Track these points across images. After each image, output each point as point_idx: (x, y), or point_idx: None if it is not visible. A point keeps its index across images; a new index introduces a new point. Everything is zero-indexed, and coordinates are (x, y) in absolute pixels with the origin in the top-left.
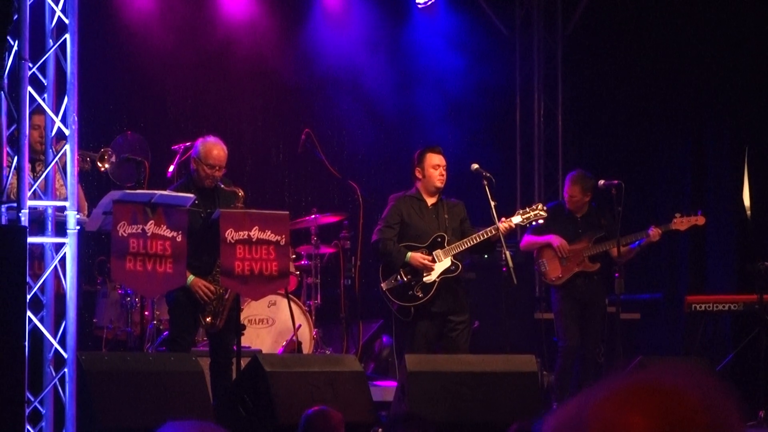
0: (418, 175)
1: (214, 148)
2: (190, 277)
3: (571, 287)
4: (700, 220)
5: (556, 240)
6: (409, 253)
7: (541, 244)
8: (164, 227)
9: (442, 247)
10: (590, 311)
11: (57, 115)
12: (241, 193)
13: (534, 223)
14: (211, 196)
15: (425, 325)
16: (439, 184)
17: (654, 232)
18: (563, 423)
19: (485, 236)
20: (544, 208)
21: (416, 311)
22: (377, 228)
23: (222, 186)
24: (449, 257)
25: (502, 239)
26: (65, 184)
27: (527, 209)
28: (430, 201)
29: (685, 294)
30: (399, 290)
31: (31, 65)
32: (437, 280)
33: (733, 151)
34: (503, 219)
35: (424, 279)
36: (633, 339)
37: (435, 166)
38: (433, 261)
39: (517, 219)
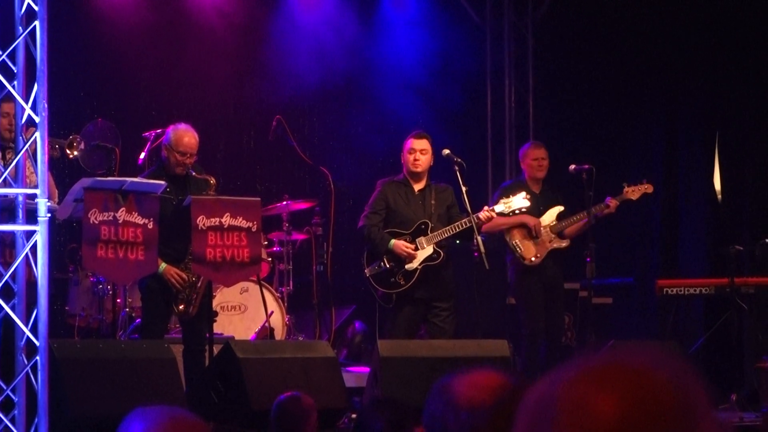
0: (402, 160)
1: (185, 135)
2: (162, 265)
3: (539, 269)
4: (649, 188)
5: (531, 219)
6: (392, 241)
7: (510, 224)
8: (135, 214)
9: (425, 234)
10: (554, 292)
11: (27, 102)
12: (212, 180)
13: (517, 211)
14: (183, 183)
15: (407, 311)
16: (412, 169)
17: (613, 203)
18: (533, 403)
19: (465, 225)
20: (527, 196)
21: (398, 298)
22: (363, 214)
23: (193, 173)
24: (432, 245)
25: (475, 225)
26: (36, 172)
27: (510, 197)
28: (418, 187)
29: (657, 278)
30: (381, 277)
31: (0, 52)
32: (419, 267)
33: (705, 135)
34: (486, 208)
35: (406, 266)
36: (605, 323)
37: (410, 151)
38: (416, 249)
39: (500, 207)
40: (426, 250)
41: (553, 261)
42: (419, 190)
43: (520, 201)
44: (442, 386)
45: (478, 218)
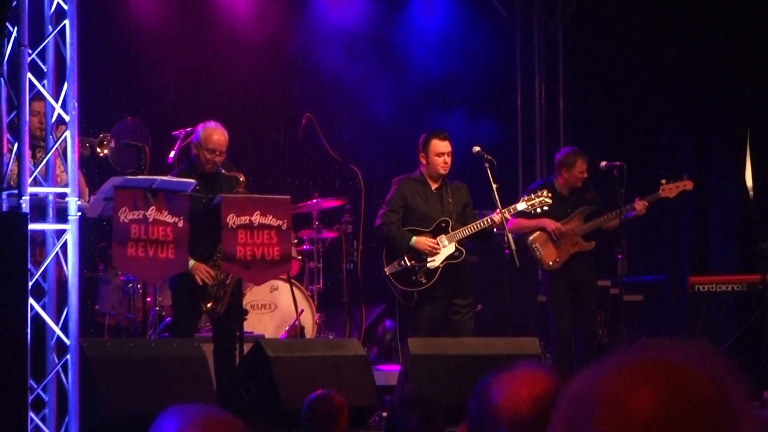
0: (422, 160)
1: (214, 133)
2: (192, 262)
3: (563, 269)
4: (688, 185)
5: (550, 223)
6: (414, 237)
7: (531, 227)
8: (165, 213)
9: (446, 232)
10: (583, 291)
11: (57, 101)
12: (242, 178)
13: (539, 209)
14: (213, 181)
15: (429, 309)
16: (442, 172)
17: (640, 206)
18: (570, 400)
19: (485, 224)
20: (549, 194)
21: (419, 296)
22: (380, 212)
23: (223, 171)
24: (453, 243)
25: (504, 222)
26: (66, 171)
27: (532, 195)
28: (434, 185)
29: (688, 275)
30: (402, 275)
31: (30, 51)
32: (441, 265)
33: (735, 131)
34: (498, 210)
35: (428, 264)
36: (636, 321)
37: (439, 154)
38: (438, 245)
39: (521, 206)
40: (448, 248)
41: (579, 261)
42: (436, 188)
43: (542, 200)
44: (483, 390)
45: (492, 220)
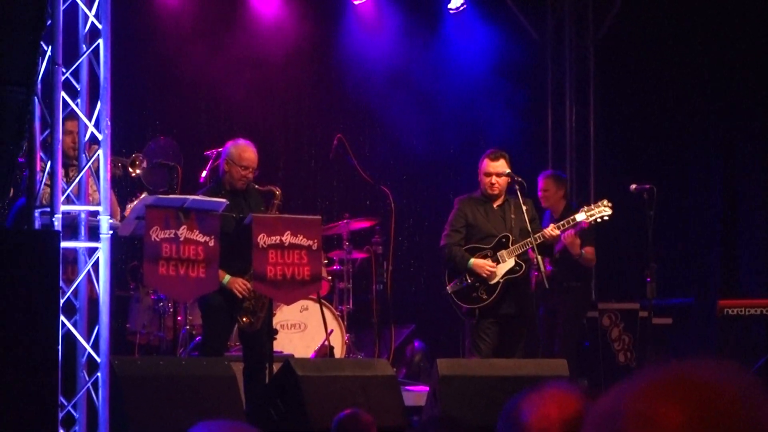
0: (479, 179)
1: (246, 149)
2: (227, 277)
3: None
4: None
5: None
6: (471, 260)
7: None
8: (197, 232)
9: (506, 247)
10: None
11: (90, 120)
12: (278, 191)
13: (599, 219)
14: (243, 197)
15: (489, 325)
16: (489, 192)
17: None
18: (599, 416)
19: (539, 240)
20: (610, 204)
21: (481, 313)
22: (444, 233)
23: (257, 186)
24: (513, 258)
25: (533, 245)
26: (98, 189)
27: (592, 206)
28: (496, 202)
29: (718, 298)
30: (463, 292)
31: (64, 70)
32: (501, 281)
33: (765, 152)
34: (552, 226)
35: (489, 281)
36: (665, 344)
37: (487, 174)
38: (497, 262)
39: (581, 216)
40: (508, 263)
41: None
42: (498, 205)
43: (601, 209)
44: (513, 411)
45: (543, 236)
